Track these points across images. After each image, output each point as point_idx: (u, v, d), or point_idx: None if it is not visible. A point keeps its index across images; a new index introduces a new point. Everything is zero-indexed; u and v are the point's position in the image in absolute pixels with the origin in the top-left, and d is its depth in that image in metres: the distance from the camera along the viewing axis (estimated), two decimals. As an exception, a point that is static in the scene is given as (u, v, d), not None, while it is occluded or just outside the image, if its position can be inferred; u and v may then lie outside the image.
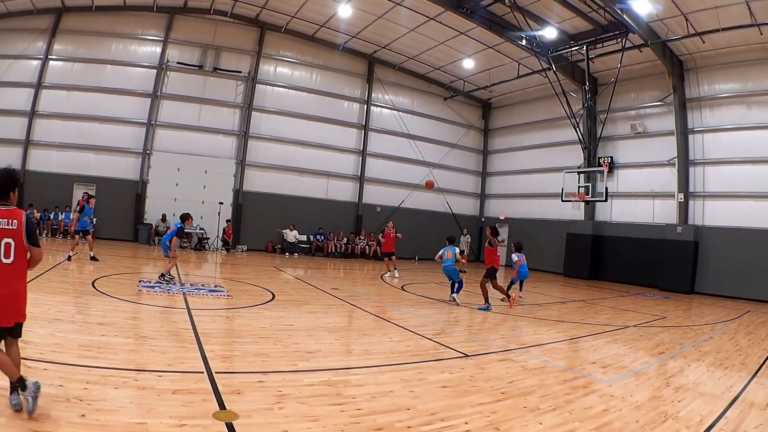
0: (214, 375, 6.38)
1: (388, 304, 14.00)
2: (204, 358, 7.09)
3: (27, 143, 27.21)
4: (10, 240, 4.92)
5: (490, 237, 14.64)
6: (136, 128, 27.77)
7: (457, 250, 15.32)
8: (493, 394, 6.58)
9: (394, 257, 21.42)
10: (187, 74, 28.46)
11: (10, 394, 4.81)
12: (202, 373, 6.44)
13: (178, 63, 28.17)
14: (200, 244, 26.99)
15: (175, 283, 13.80)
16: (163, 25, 28.23)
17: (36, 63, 27.74)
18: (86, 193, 21.43)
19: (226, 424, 4.95)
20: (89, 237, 18.17)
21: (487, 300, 14.03)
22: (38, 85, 27.50)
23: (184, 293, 12.37)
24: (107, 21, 28.16)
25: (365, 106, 32.35)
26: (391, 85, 33.05)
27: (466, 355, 8.62)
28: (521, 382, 7.22)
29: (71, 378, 5.78)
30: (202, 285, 14.20)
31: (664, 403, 6.74)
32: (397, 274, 20.86)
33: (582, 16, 22.98)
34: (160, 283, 13.44)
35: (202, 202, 27.54)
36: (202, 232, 27.26)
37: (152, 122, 27.81)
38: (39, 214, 25.69)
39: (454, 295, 14.83)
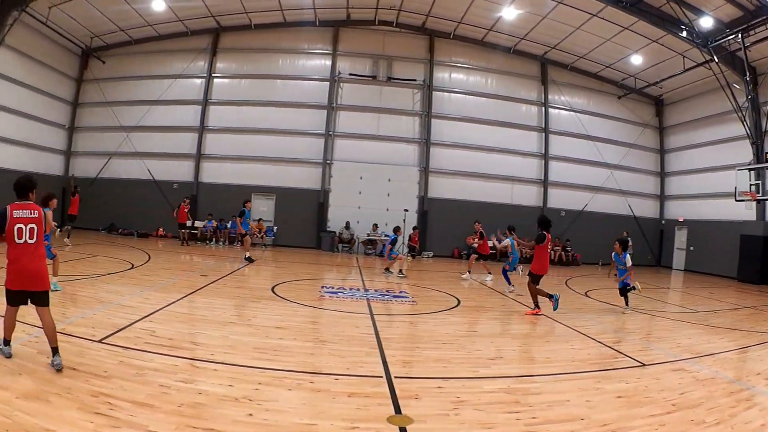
0: (393, 379, 6.24)
1: (572, 311, 13.06)
2: (384, 362, 6.99)
3: (198, 156, 28.68)
4: (33, 225, 6.27)
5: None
6: (315, 139, 28.15)
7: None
8: (664, 405, 6.16)
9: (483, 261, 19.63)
10: (361, 85, 28.56)
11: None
12: (381, 377, 6.34)
13: (351, 75, 28.36)
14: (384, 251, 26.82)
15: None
16: (329, 38, 28.61)
17: (200, 81, 29.30)
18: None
19: (400, 428, 4.90)
20: (246, 239, 19.01)
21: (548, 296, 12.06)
22: (205, 102, 28.94)
23: (367, 299, 12.23)
24: (269, 37, 29.01)
25: (542, 108, 31.10)
26: (565, 85, 31.64)
27: (643, 364, 8.05)
28: (691, 394, 6.72)
29: (242, 379, 5.95)
30: (387, 291, 13.98)
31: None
32: (466, 276, 18.79)
33: (731, 2, 21.23)
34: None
35: (387, 210, 27.50)
36: (387, 239, 27.05)
37: (330, 133, 28.08)
38: (216, 223, 26.89)
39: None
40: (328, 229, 27.47)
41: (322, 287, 13.70)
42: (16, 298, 6.17)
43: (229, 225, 26.13)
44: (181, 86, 29.23)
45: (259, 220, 26.61)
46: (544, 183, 30.36)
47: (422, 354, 7.73)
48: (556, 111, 31.07)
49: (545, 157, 30.44)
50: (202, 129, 28.67)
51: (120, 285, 12.18)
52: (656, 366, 8.05)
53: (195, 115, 28.87)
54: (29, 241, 6.19)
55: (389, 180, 27.79)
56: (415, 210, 28.12)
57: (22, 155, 28.05)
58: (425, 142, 28.30)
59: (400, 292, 13.91)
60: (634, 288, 13.83)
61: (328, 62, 28.36)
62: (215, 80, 29.11)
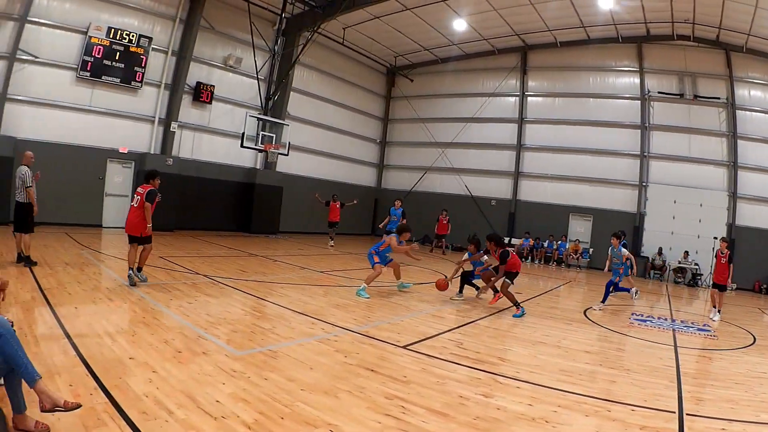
0: (684, 417, 6.09)
1: None
2: (680, 398, 6.78)
3: (517, 174, 29.71)
4: (139, 197, 10.47)
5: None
6: (629, 160, 27.63)
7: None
8: None
9: None
10: (669, 103, 27.27)
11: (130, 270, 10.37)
12: (674, 413, 6.17)
13: (659, 93, 27.29)
14: (693, 280, 25.40)
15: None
16: (633, 54, 27.75)
17: (513, 99, 30.28)
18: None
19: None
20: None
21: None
22: (520, 120, 29.78)
23: (673, 329, 11.98)
24: (576, 55, 29.01)
25: None
26: None
27: None
28: None
29: (542, 399, 6.08)
30: (692, 323, 13.51)
31: None
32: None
33: None
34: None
35: (698, 237, 26.01)
36: (696, 267, 25.59)
37: (645, 154, 27.39)
38: (533, 241, 27.60)
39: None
40: (642, 254, 26.60)
41: (632, 314, 13.62)
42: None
43: (545, 244, 26.60)
44: (494, 104, 30.60)
45: (576, 241, 26.81)
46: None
47: (714, 392, 7.47)
48: None
49: None
50: (519, 147, 29.58)
51: (431, 295, 13.03)
52: None
53: (511, 133, 29.93)
54: (133, 204, 10.66)
55: (701, 205, 26.11)
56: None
57: (340, 167, 31.13)
58: (732, 165, 25.96)
59: (704, 325, 13.35)
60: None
61: (636, 80, 27.59)
62: (528, 98, 29.94)
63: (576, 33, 27.65)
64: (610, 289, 14.34)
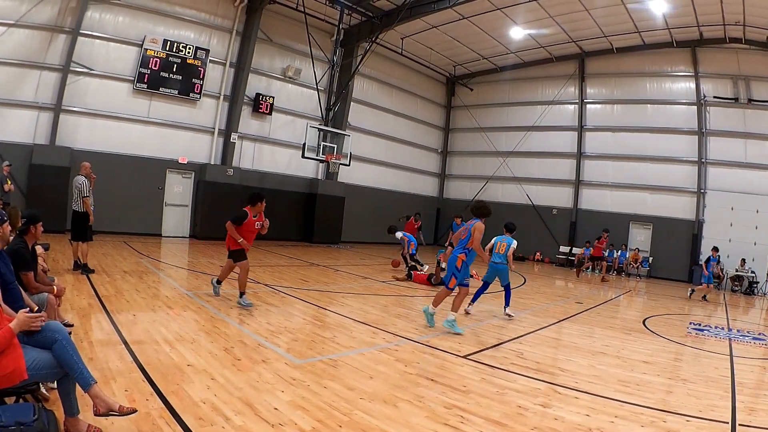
0: (737, 427, 6.04)
1: None
2: (733, 408, 6.73)
3: (578, 183, 29.72)
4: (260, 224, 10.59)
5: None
6: (687, 167, 27.31)
7: (514, 243, 12.09)
8: None
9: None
10: (725, 108, 26.81)
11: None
12: (726, 423, 6.13)
13: (715, 97, 26.84)
14: (750, 288, 25.00)
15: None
16: (688, 59, 27.30)
17: (572, 107, 30.23)
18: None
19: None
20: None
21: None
22: (580, 128, 29.72)
23: (730, 339, 11.86)
24: (632, 61, 28.75)
25: None
26: None
27: None
28: None
29: (600, 410, 6.09)
30: (748, 332, 13.37)
31: None
32: None
33: None
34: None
35: (754, 244, 25.58)
36: (753, 275, 25.16)
37: (702, 160, 26.97)
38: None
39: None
40: (700, 263, 25.79)
41: (690, 323, 13.52)
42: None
43: (606, 253, 26.28)
44: (554, 112, 30.65)
45: (636, 249, 26.70)
46: None
47: (767, 402, 7.40)
48: None
49: None
50: (579, 155, 29.54)
51: (494, 305, 13.11)
52: None
53: (571, 141, 29.92)
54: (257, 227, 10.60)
55: (757, 212, 25.63)
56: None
57: (402, 177, 31.50)
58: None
59: (760, 334, 13.21)
60: None
61: (691, 84, 27.20)
62: (587, 106, 29.87)
63: (631, 38, 27.48)
64: None
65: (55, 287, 6.45)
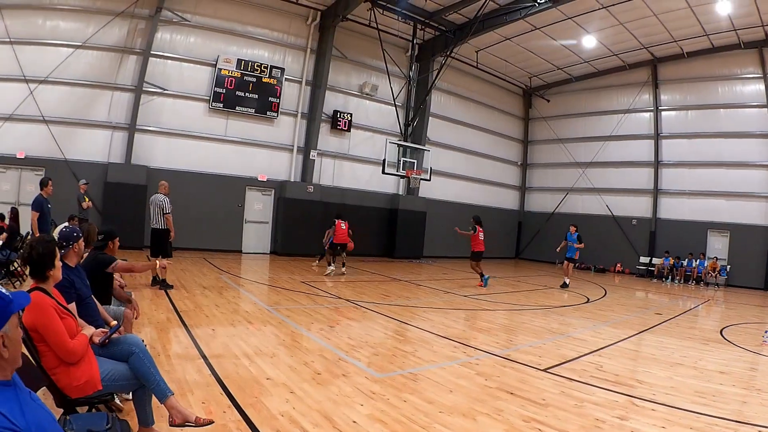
0: None
1: None
2: None
3: (656, 192, 29.18)
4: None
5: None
6: (762, 171, 26.62)
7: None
8: None
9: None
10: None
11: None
12: None
13: (784, 99, 26.16)
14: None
15: None
16: (756, 60, 26.57)
17: (648, 115, 29.80)
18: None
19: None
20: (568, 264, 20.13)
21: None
22: (656, 136, 29.29)
23: None
24: (702, 65, 28.16)
25: None
26: None
27: None
28: None
29: (676, 422, 6.05)
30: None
31: None
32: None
33: None
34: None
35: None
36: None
37: (776, 164, 26.23)
38: (673, 260, 27.02)
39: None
40: None
41: (765, 332, 12.98)
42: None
43: (685, 263, 26.09)
44: (630, 121, 30.32)
45: (714, 258, 26.11)
46: None
47: None
48: None
49: None
50: (656, 164, 29.11)
51: (573, 318, 13.23)
52: None
53: (648, 150, 29.52)
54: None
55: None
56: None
57: (483, 191, 31.77)
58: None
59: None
60: None
61: (761, 86, 26.51)
62: (662, 113, 29.42)
63: (700, 42, 26.98)
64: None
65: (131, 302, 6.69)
